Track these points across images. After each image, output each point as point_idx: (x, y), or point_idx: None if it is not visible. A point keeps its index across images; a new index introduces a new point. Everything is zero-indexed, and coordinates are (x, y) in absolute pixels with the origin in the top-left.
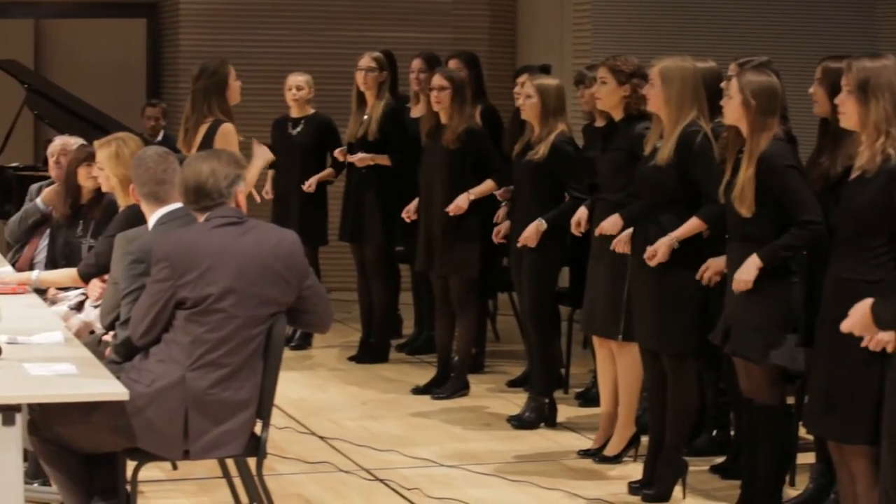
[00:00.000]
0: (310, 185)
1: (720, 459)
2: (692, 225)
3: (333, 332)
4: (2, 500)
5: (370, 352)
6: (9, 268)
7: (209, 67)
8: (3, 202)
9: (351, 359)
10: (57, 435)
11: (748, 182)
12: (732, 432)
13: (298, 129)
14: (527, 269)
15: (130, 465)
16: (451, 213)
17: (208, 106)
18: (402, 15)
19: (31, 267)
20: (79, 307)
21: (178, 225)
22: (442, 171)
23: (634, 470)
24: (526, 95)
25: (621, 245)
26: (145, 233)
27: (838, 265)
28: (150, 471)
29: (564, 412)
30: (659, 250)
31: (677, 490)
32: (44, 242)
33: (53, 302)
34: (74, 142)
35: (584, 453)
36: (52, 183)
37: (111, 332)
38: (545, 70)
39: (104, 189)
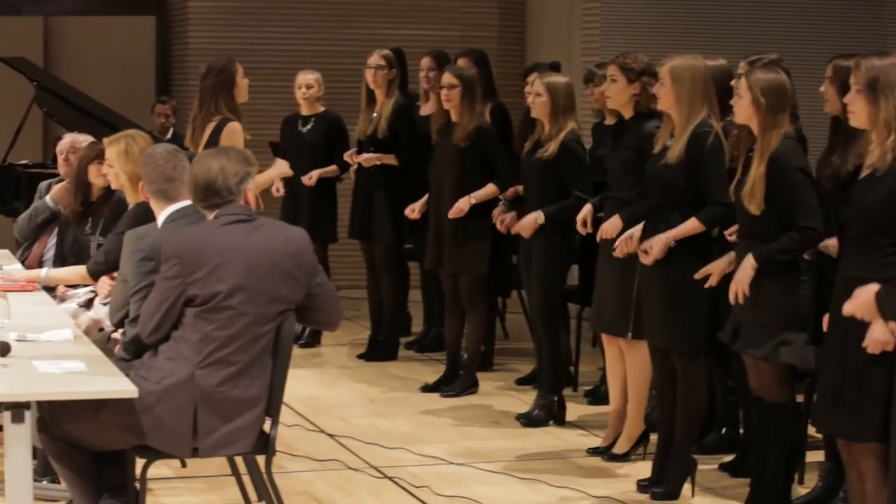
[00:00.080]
0: (311, 177)
1: (729, 457)
2: (690, 225)
3: (342, 330)
4: (11, 498)
5: (379, 349)
6: (18, 265)
7: (216, 66)
8: (12, 200)
9: (360, 356)
10: (66, 432)
11: (759, 180)
12: (741, 430)
13: (308, 126)
14: (536, 267)
15: (139, 463)
16: (451, 217)
17: (215, 104)
18: (411, 12)
19: (40, 264)
20: (88, 304)
21: (187, 222)
22: (452, 168)
23: (643, 468)
24: (536, 93)
25: (621, 249)
26: (154, 230)
27: (848, 263)
28: (159, 468)
29: (573, 410)
30: (655, 247)
31: (686, 488)
32: (53, 240)
33: (63, 299)
34: (83, 139)
35: (593, 451)
36: (61, 180)
37: (120, 330)
38: (555, 68)
39: (113, 186)
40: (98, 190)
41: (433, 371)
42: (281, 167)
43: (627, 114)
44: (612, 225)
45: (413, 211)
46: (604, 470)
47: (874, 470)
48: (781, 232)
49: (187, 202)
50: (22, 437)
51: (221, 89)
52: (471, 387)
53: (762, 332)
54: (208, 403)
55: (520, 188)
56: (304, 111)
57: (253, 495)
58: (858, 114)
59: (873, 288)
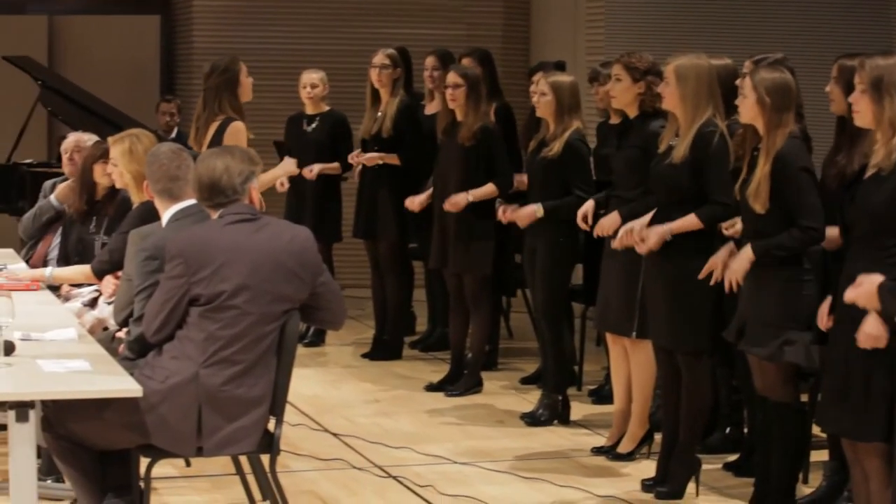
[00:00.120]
0: (311, 169)
1: (733, 457)
2: (689, 221)
3: (347, 329)
4: (16, 497)
5: (383, 349)
6: (22, 264)
7: (220, 65)
8: (16, 199)
9: (364, 356)
10: (70, 431)
11: (764, 179)
12: (746, 430)
13: (313, 125)
14: (540, 266)
15: (144, 462)
16: (447, 209)
17: (219, 104)
18: (415, 12)
19: (44, 263)
20: (92, 304)
21: (191, 221)
22: (457, 168)
23: (648, 467)
24: (541, 93)
25: (621, 241)
26: (159, 229)
27: (853, 263)
28: (163, 467)
29: (578, 409)
30: (651, 237)
31: (690, 487)
32: (57, 239)
33: (67, 298)
34: (88, 138)
35: (598, 450)
36: (65, 179)
37: (124, 329)
38: (560, 67)
39: (118, 185)
40: (103, 189)
41: (437, 370)
42: (286, 166)
43: (632, 113)
44: (610, 221)
45: (413, 202)
46: (608, 469)
47: (879, 469)
48: (786, 231)
49: (192, 201)
50: (26, 437)
51: (225, 89)
52: (475, 386)
53: (767, 331)
54: (213, 402)
55: (524, 177)
56: (309, 110)
57: (257, 494)
58: (863, 113)
59: (878, 279)
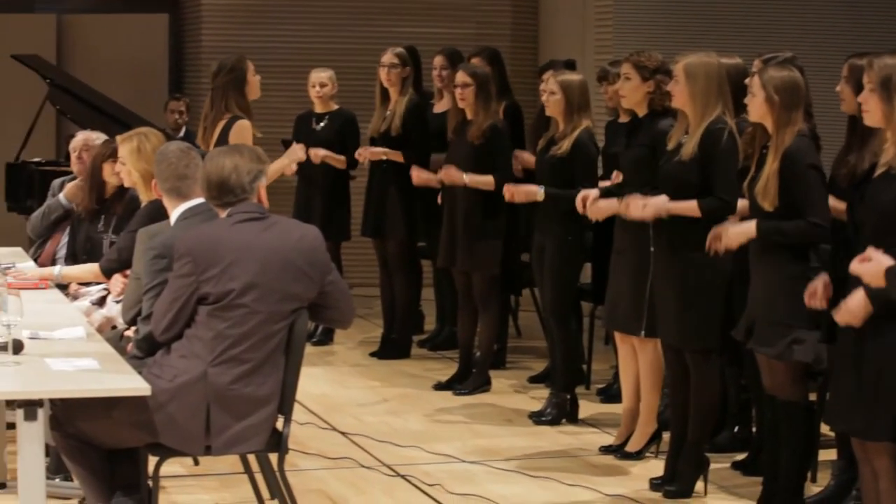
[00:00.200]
0: (317, 154)
1: (742, 456)
2: (689, 206)
3: (355, 328)
4: (24, 495)
5: (392, 347)
6: (31, 263)
7: (227, 64)
8: (25, 197)
9: (373, 354)
10: (79, 430)
11: (772, 177)
12: (754, 429)
13: (322, 124)
14: (548, 265)
15: (152, 461)
16: (443, 178)
17: (226, 103)
18: (424, 10)
19: (53, 262)
20: (101, 302)
21: (200, 220)
22: (466, 166)
23: (656, 466)
24: (550, 92)
25: (625, 205)
26: (167, 228)
27: None
28: (171, 466)
29: (586, 408)
30: (649, 207)
31: (699, 486)
32: (66, 238)
33: (75, 297)
34: (96, 137)
35: (606, 449)
36: (73, 178)
37: (133, 328)
38: (570, 66)
39: (126, 184)
40: (111, 188)
41: (446, 369)
42: (292, 154)
43: (641, 112)
44: (605, 205)
45: (419, 176)
46: (616, 468)
47: (888, 468)
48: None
49: (200, 200)
50: (35, 435)
51: (232, 87)
52: (483, 385)
53: (775, 330)
54: (221, 401)
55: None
56: (318, 109)
57: (265, 493)
58: (872, 112)
59: (888, 261)
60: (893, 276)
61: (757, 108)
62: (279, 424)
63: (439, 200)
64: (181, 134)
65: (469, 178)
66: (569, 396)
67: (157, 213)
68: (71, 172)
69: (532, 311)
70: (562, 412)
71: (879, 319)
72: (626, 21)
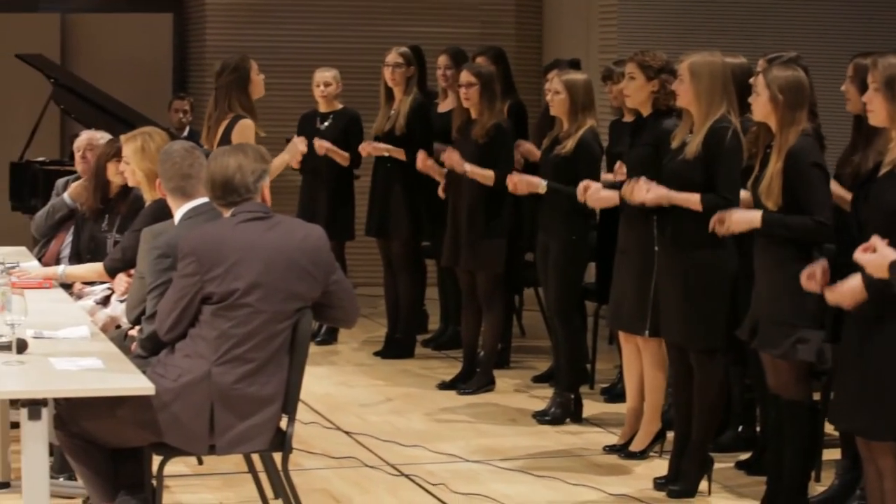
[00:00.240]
0: (322, 144)
1: (746, 455)
2: (691, 198)
3: (359, 328)
4: (28, 495)
5: (396, 347)
6: (35, 262)
7: (230, 64)
8: (29, 197)
9: (377, 354)
10: (83, 429)
11: (776, 176)
12: (758, 428)
13: (327, 123)
14: (552, 264)
15: (156, 460)
16: (447, 164)
17: (229, 103)
18: (429, 10)
19: (57, 262)
20: (105, 302)
21: (204, 219)
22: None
23: (660, 466)
24: (554, 91)
25: (629, 187)
26: (171, 227)
27: None
28: (175, 465)
29: (590, 408)
30: (652, 192)
31: (703, 486)
32: (70, 237)
33: (79, 296)
34: (101, 136)
35: (610, 449)
36: (78, 178)
37: (137, 327)
38: (575, 65)
39: (130, 184)
40: (116, 187)
41: (450, 369)
42: (293, 148)
43: (646, 111)
44: (607, 193)
45: (424, 163)
46: (620, 468)
47: (893, 468)
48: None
49: (204, 199)
50: (39, 434)
51: (236, 87)
52: (487, 384)
53: (780, 329)
54: (225, 401)
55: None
56: (323, 108)
57: (269, 493)
58: (877, 112)
59: (893, 254)
60: None
61: (761, 108)
62: (283, 424)
63: (440, 192)
64: (185, 133)
65: (469, 168)
66: (573, 396)
67: (161, 212)
68: (75, 172)
69: (536, 311)
70: (566, 412)
71: (884, 319)
72: (631, 20)
